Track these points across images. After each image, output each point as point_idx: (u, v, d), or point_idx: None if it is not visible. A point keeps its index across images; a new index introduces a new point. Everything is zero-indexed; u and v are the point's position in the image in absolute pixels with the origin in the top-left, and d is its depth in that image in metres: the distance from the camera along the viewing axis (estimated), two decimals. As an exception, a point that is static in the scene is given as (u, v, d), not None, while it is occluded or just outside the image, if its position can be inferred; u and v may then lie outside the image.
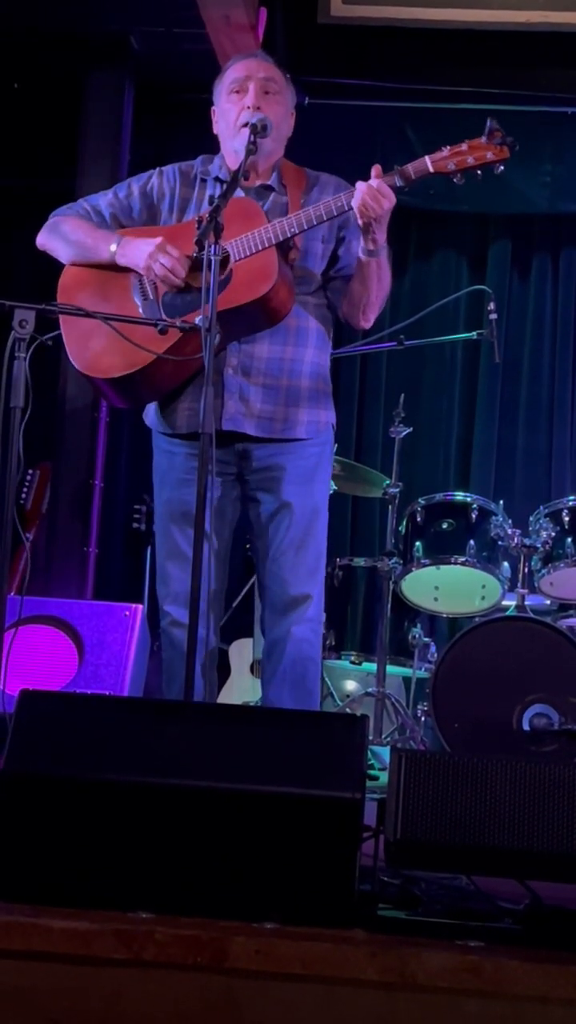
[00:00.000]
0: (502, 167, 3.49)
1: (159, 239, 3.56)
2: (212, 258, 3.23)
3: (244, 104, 3.61)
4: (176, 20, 6.10)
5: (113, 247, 3.62)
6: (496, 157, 3.46)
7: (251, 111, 3.58)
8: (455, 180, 3.50)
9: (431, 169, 3.47)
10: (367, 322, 3.72)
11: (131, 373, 3.56)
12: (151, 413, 3.74)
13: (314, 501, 3.68)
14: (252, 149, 3.47)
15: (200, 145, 3.83)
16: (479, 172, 3.49)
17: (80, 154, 6.33)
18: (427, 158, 3.48)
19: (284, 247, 3.53)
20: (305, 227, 3.49)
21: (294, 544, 3.62)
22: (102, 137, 6.36)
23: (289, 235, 3.49)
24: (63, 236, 3.72)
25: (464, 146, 3.47)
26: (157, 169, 3.78)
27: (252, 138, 3.48)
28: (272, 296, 3.48)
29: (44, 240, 3.77)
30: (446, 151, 3.47)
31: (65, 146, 6.43)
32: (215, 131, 3.75)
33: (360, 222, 3.45)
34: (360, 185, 3.43)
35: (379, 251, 3.53)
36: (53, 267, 3.79)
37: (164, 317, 3.53)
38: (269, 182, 3.69)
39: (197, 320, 3.28)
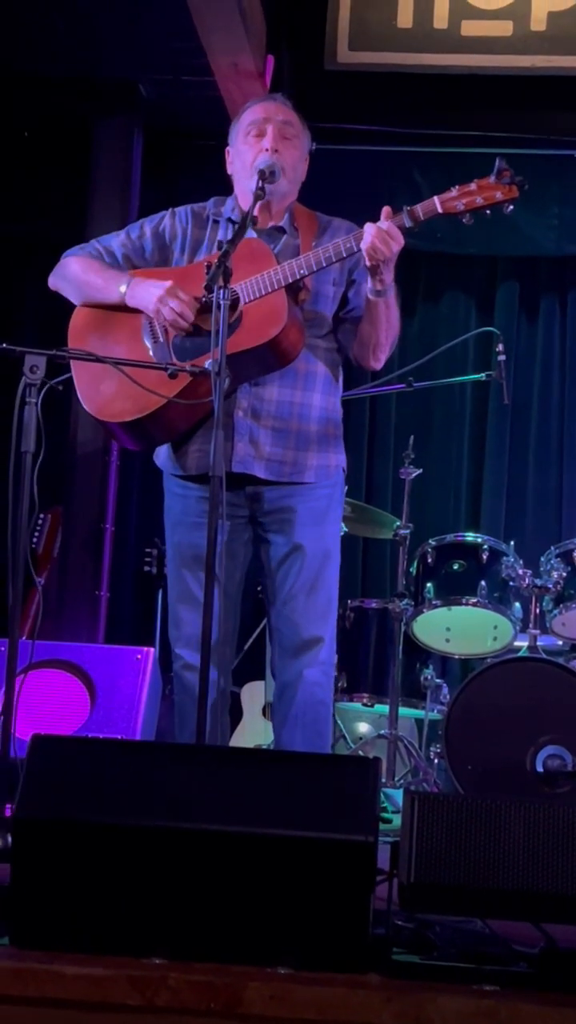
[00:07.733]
0: (511, 207, 3.48)
1: (169, 282, 3.57)
2: (222, 302, 3.24)
3: (262, 147, 3.63)
4: (184, 68, 6.16)
5: (123, 288, 3.63)
6: (505, 196, 3.45)
7: (268, 153, 3.60)
8: (464, 220, 3.49)
9: (440, 209, 3.46)
10: (378, 363, 3.72)
11: (142, 417, 3.57)
12: (162, 455, 3.75)
13: (325, 544, 3.68)
14: (260, 195, 3.48)
15: (209, 191, 3.85)
16: (488, 212, 3.47)
17: (90, 200, 6.38)
18: (436, 198, 3.47)
19: (294, 288, 3.54)
20: (315, 268, 3.50)
21: (305, 587, 3.62)
22: (111, 183, 6.41)
23: (299, 276, 3.50)
24: (74, 276, 3.73)
25: (473, 185, 3.47)
26: (170, 210, 3.79)
27: (260, 183, 3.49)
28: (282, 339, 3.49)
29: (55, 280, 3.79)
30: (455, 191, 3.47)
31: (75, 192, 6.48)
32: (228, 171, 3.76)
33: (368, 264, 3.46)
34: (368, 227, 3.43)
35: (387, 291, 3.53)
36: (62, 312, 3.80)
37: (175, 360, 3.54)
38: (281, 224, 3.71)
39: (207, 364, 3.28)
